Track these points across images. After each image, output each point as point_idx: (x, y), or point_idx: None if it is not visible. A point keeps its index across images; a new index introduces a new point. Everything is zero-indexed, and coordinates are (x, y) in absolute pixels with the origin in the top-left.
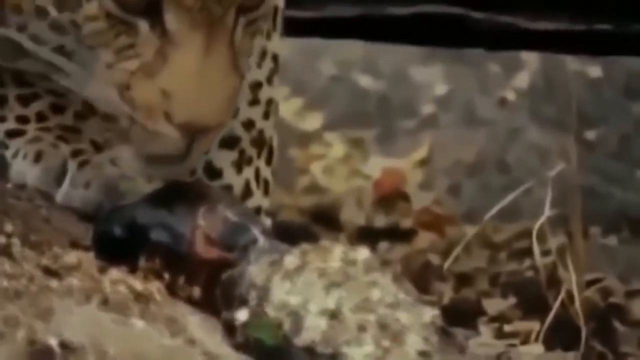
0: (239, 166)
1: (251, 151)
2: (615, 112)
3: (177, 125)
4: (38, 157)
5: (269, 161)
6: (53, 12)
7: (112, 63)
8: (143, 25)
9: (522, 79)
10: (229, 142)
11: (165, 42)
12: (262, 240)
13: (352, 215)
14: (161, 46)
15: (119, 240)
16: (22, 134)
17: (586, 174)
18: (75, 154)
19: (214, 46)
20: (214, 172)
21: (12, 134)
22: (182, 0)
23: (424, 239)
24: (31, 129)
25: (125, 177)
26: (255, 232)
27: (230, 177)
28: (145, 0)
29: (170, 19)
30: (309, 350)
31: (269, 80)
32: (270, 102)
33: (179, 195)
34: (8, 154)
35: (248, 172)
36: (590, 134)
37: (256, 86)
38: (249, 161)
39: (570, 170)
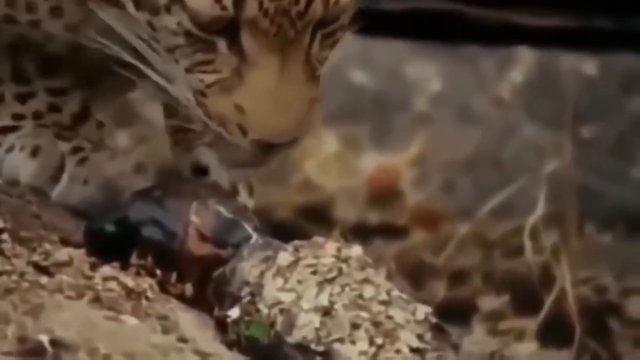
0: None
1: None
2: (611, 108)
3: (251, 140)
4: (35, 152)
5: None
6: (131, 7)
7: (190, 70)
8: (221, 44)
9: (517, 76)
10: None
11: (242, 61)
12: (255, 237)
13: (346, 212)
14: (238, 65)
15: (110, 237)
16: (18, 129)
17: (581, 171)
18: (75, 150)
19: (291, 65)
20: (199, 170)
21: (6, 130)
22: (258, 23)
23: (418, 236)
24: (28, 125)
25: (124, 174)
26: (248, 228)
27: (217, 174)
28: (223, 22)
29: (247, 41)
30: (302, 347)
31: None
32: None
33: (171, 191)
34: (1, 150)
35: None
36: (586, 131)
37: None
38: None
39: (565, 167)
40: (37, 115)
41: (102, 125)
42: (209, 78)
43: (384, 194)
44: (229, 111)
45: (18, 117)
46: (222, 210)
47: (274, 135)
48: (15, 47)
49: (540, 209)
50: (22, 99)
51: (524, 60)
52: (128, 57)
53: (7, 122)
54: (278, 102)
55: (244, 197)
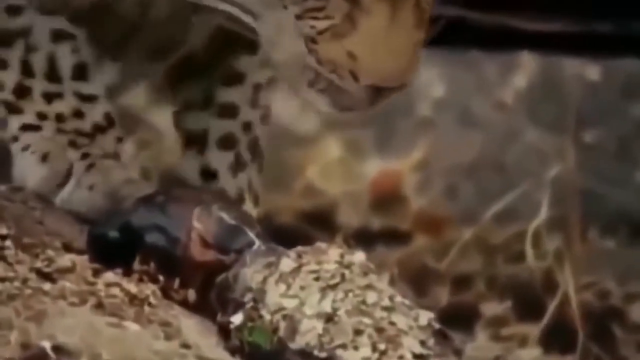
0: (234, 171)
1: (246, 156)
2: (614, 113)
3: (362, 86)
4: (45, 158)
5: (260, 169)
6: None
7: (301, 16)
8: None
9: (520, 81)
10: (227, 143)
11: (354, 8)
12: (257, 243)
13: (349, 218)
14: (350, 11)
15: (113, 243)
16: (37, 130)
17: (584, 176)
18: (84, 156)
19: (401, 11)
20: (208, 174)
21: (27, 128)
22: None
23: (421, 241)
24: (49, 127)
25: (130, 182)
26: (251, 234)
27: (226, 180)
28: None
29: None
30: (305, 353)
31: (270, 84)
32: (268, 107)
33: (173, 197)
34: (16, 147)
35: (242, 180)
36: (588, 136)
37: (257, 88)
38: (244, 167)
39: (568, 172)
40: (59, 118)
41: (121, 140)
42: (321, 24)
43: (387, 199)
44: (340, 57)
45: (41, 116)
46: (225, 216)
47: (384, 80)
48: (59, 36)
49: (543, 213)
50: (49, 98)
51: (527, 66)
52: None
53: (31, 119)
54: (389, 48)
55: (248, 207)
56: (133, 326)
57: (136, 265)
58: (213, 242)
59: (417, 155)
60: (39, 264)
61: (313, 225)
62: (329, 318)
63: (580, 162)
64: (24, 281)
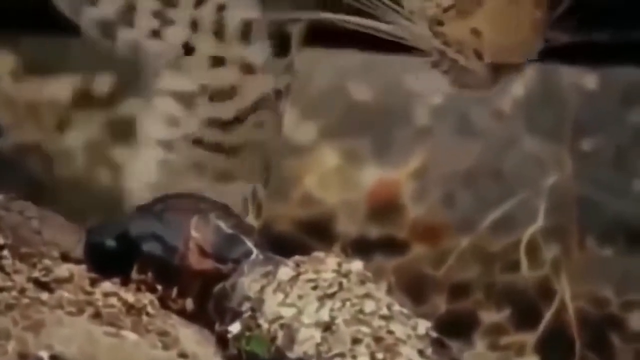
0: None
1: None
2: (612, 121)
3: (486, 63)
4: None
5: (267, 180)
6: None
7: None
8: None
9: (518, 89)
10: None
11: None
12: (255, 252)
13: (346, 226)
14: None
15: (111, 252)
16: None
17: (582, 184)
18: None
19: None
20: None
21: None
22: None
23: (418, 249)
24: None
25: None
26: (249, 244)
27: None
28: None
29: None
30: None
31: (287, 91)
32: (282, 116)
33: (171, 206)
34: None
35: (248, 189)
36: (586, 144)
37: (278, 94)
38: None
39: (565, 180)
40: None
41: None
42: (446, 1)
43: (384, 207)
44: (466, 36)
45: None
46: (223, 225)
47: (508, 57)
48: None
49: (540, 221)
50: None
51: (525, 74)
52: None
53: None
54: (511, 25)
55: (250, 217)
56: (131, 335)
57: (134, 275)
58: (211, 251)
59: (414, 163)
60: (36, 274)
61: (311, 234)
62: (327, 327)
63: (578, 170)
64: (22, 291)
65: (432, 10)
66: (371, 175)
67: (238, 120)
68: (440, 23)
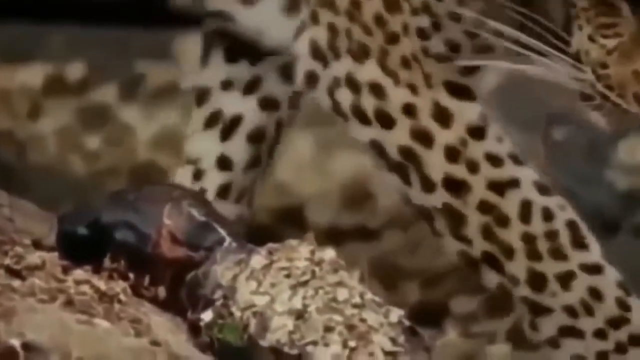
0: (248, 167)
1: (264, 156)
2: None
3: None
4: None
5: (266, 172)
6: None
7: (593, 36)
8: (625, 8)
9: (490, 79)
10: (256, 137)
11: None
12: (228, 240)
13: (320, 215)
14: (637, 29)
15: (83, 240)
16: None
17: (555, 174)
18: None
19: None
20: (224, 163)
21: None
22: None
23: (391, 238)
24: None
25: None
26: (221, 231)
27: (235, 174)
28: None
29: None
30: (275, 350)
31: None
32: (296, 113)
33: (144, 194)
34: None
35: (248, 179)
36: (559, 133)
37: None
38: (257, 166)
39: (539, 170)
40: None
41: None
42: (611, 43)
43: (357, 196)
44: (628, 79)
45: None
46: (195, 213)
47: None
48: None
49: None
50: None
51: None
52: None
53: None
54: None
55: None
56: (103, 323)
57: (106, 263)
58: (183, 238)
59: None
60: (8, 261)
61: (284, 222)
62: (300, 315)
63: (551, 159)
64: None
65: (596, 52)
66: (344, 164)
67: None
68: (605, 66)
